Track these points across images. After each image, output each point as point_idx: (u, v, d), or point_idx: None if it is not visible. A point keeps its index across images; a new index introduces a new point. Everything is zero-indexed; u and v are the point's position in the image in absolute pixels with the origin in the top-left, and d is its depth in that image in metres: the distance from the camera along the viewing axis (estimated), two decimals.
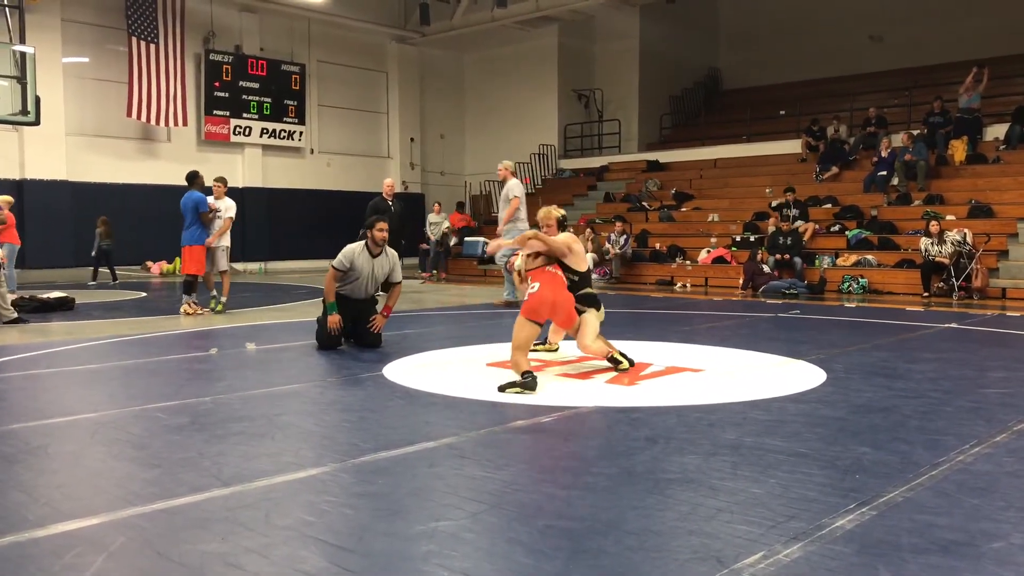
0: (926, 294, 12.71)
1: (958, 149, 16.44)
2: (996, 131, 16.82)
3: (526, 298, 5.85)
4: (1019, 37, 19.60)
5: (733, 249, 16.03)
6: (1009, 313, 10.59)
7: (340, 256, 7.46)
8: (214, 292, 10.88)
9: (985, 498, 3.28)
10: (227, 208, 10.93)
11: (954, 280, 12.63)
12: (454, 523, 3.00)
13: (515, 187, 11.35)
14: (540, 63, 24.08)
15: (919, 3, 21.54)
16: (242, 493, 3.35)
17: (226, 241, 10.87)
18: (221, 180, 11.11)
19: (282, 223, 21.62)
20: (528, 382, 5.35)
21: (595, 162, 23.32)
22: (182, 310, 10.29)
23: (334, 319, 7.34)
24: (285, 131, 22.03)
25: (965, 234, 13.13)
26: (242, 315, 10.45)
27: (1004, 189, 15.10)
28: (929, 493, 3.33)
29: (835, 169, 17.60)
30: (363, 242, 7.54)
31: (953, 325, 9.09)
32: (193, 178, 10.54)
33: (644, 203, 19.60)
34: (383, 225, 7.51)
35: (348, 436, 4.37)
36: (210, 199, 10.80)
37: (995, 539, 2.85)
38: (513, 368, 5.63)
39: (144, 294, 13.92)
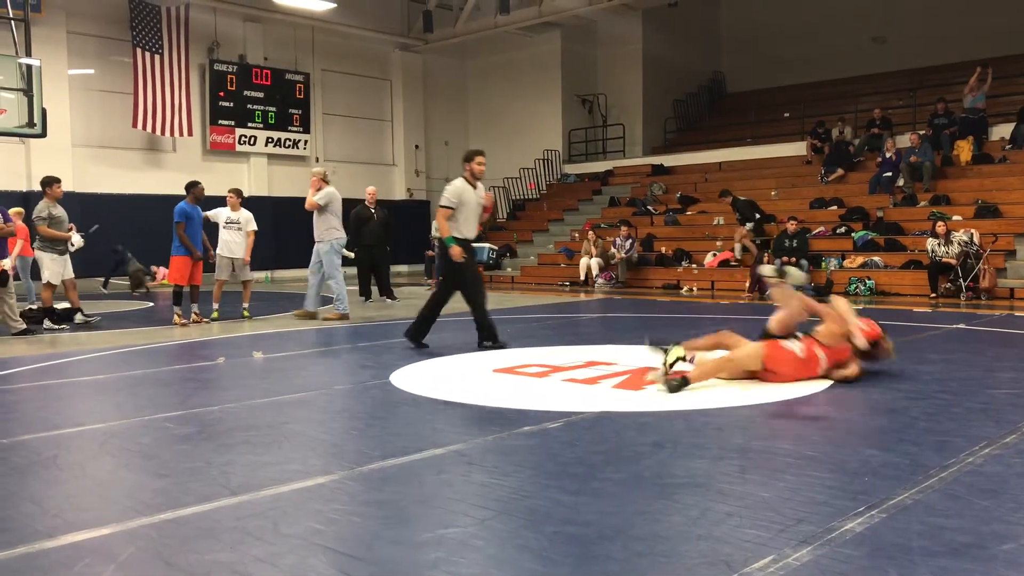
0: (933, 295, 12.68)
1: (964, 149, 16.40)
2: (1002, 131, 16.79)
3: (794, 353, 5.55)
4: (1021, 37, 19.56)
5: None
6: (1017, 313, 10.55)
7: (447, 194, 7.79)
8: (216, 305, 10.90)
9: (995, 500, 3.26)
10: (248, 220, 10.98)
11: (961, 281, 12.59)
12: (462, 530, 3.00)
13: (323, 196, 10.83)
14: (543, 69, 24.11)
15: (921, 4, 21.53)
16: (250, 502, 3.35)
17: (242, 251, 10.92)
18: (235, 191, 11.14)
19: (288, 232, 21.57)
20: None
21: (599, 167, 23.33)
22: (173, 321, 10.32)
23: (456, 250, 7.56)
24: (290, 140, 22.09)
25: (972, 234, 13.09)
26: (249, 324, 10.47)
27: (1011, 189, 15.05)
28: (939, 495, 3.32)
29: (840, 171, 17.57)
30: (461, 177, 7.91)
31: (961, 326, 9.05)
32: (188, 188, 10.48)
33: (649, 207, 19.60)
34: (482, 159, 7.86)
35: (355, 444, 4.37)
36: (226, 210, 10.86)
37: (1006, 540, 2.83)
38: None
39: (151, 304, 13.96)
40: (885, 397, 5.24)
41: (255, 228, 11.03)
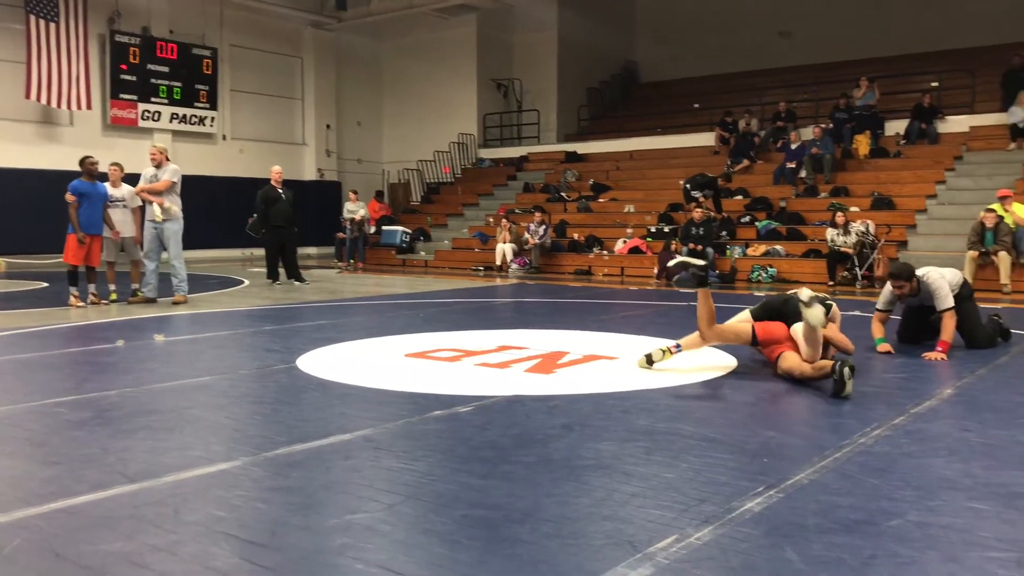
0: (831, 283, 13.18)
1: (862, 143, 17.09)
2: (897, 126, 17.54)
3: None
4: (919, 37, 20.45)
5: (648, 239, 16.30)
6: None
7: None
8: (112, 286, 10.47)
9: (884, 478, 3.42)
10: (132, 197, 10.54)
11: (857, 269, 13.14)
12: (370, 515, 2.97)
13: (173, 172, 10.32)
14: (459, 52, 23.99)
15: (826, 1, 22.22)
16: (149, 490, 3.24)
17: (130, 231, 10.50)
18: (116, 165, 10.68)
19: (193, 211, 20.84)
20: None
21: (514, 152, 23.38)
22: (69, 302, 9.88)
23: None
24: (196, 116, 21.40)
25: (868, 225, 13.66)
26: (150, 306, 10.10)
27: (904, 182, 15.77)
28: (833, 475, 3.45)
29: (746, 162, 18.07)
30: None
31: (857, 312, 9.42)
32: (79, 163, 10.03)
33: (563, 194, 19.75)
34: None
35: (260, 429, 4.27)
36: (108, 186, 10.38)
37: (893, 517, 2.97)
38: (821, 368, 5.20)
39: (46, 284, 13.34)
40: (784, 380, 5.42)
41: (140, 204, 10.54)
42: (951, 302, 6.46)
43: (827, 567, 2.54)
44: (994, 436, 4.08)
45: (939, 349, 6.31)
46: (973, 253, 12.13)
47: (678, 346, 5.79)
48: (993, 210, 12.28)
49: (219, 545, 2.71)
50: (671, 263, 5.85)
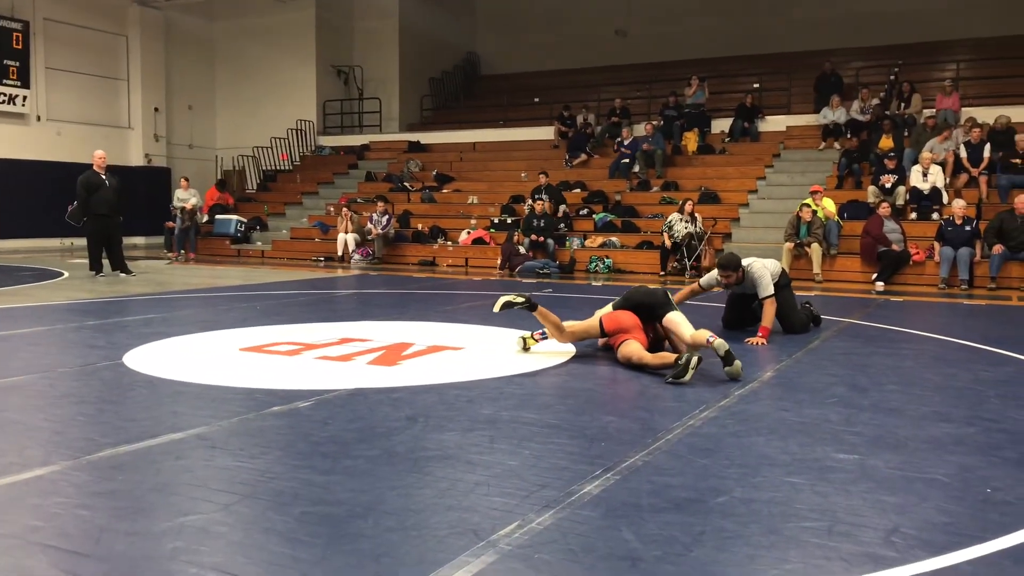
0: (662, 273, 13.80)
1: (691, 140, 17.98)
2: (722, 124, 18.56)
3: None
4: (743, 39, 21.69)
5: (491, 231, 16.47)
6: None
7: None
8: None
9: (711, 458, 3.62)
10: None
11: (686, 260, 13.82)
12: (204, 517, 2.85)
13: None
14: (297, 36, 23.31)
15: (658, 2, 23.15)
16: None
17: None
18: None
19: (4, 197, 19.33)
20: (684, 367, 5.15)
21: (356, 140, 23.00)
22: None
23: None
24: (5, 95, 19.69)
25: (697, 218, 14.38)
26: None
27: (729, 177, 16.72)
28: (665, 456, 3.62)
29: (584, 156, 18.59)
30: None
31: (687, 302, 9.90)
32: None
33: (406, 183, 19.62)
34: None
35: (83, 431, 4.00)
36: None
37: (720, 494, 3.15)
38: (664, 359, 5.41)
39: None
40: (620, 367, 5.64)
41: None
42: (772, 290, 6.93)
43: (660, 545, 2.66)
44: (808, 415, 4.41)
45: (760, 334, 6.76)
46: (789, 245, 13.02)
47: (543, 334, 6.19)
48: (809, 205, 13.23)
49: (35, 557, 2.52)
50: (496, 309, 6.00)
